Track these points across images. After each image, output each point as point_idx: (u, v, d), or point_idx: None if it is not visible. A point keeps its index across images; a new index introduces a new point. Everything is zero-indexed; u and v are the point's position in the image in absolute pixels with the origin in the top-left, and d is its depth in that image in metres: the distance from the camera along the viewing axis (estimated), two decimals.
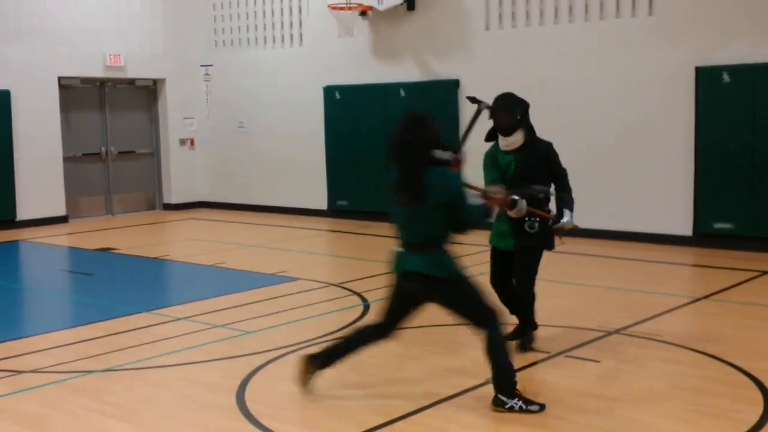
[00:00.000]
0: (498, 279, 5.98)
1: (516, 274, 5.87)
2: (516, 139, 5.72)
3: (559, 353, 5.73)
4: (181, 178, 14.94)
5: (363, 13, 12.18)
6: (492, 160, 5.84)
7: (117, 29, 13.84)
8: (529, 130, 5.77)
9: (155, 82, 14.69)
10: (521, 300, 5.88)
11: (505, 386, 4.70)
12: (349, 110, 12.88)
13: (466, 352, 5.99)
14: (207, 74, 14.81)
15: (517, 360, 5.53)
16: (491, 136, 5.84)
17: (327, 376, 5.48)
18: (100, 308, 7.51)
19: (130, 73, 14.14)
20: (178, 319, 6.99)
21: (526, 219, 5.62)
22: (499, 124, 5.68)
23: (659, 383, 5.15)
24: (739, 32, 9.41)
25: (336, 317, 6.97)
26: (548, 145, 5.83)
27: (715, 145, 9.62)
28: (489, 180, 5.76)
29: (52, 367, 5.66)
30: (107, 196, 14.30)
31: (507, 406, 4.66)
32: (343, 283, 8.24)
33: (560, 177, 5.77)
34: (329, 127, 13.18)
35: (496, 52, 11.31)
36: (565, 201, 5.71)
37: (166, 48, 14.51)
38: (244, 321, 6.80)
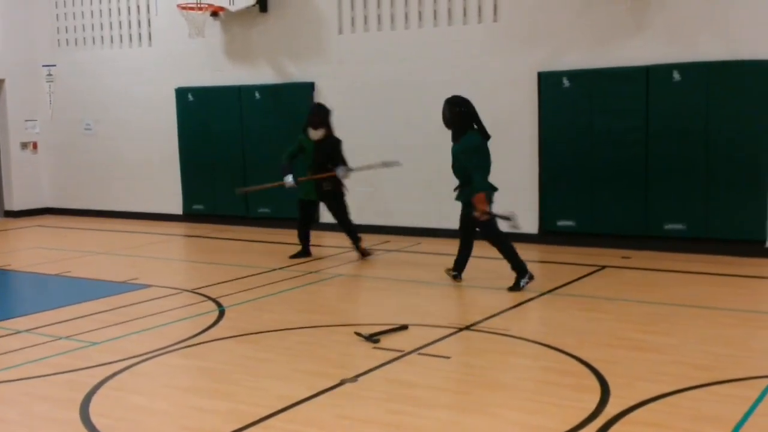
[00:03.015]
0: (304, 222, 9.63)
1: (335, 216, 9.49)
2: (318, 133, 9.13)
3: (412, 351, 5.84)
4: (24, 183, 14.22)
5: (214, 14, 11.97)
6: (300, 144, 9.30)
7: None
8: (329, 128, 9.22)
9: None
10: (347, 230, 9.47)
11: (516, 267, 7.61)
12: (202, 112, 12.65)
13: (318, 353, 6.03)
14: (50, 75, 14.14)
15: (369, 360, 5.64)
16: None
17: (175, 384, 5.38)
18: None
19: None
20: (20, 331, 6.64)
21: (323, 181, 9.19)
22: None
23: (506, 376, 5.35)
24: (578, 40, 9.93)
25: (189, 324, 6.83)
26: (338, 141, 9.34)
27: (557, 147, 10.09)
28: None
29: None
30: None
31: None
32: (198, 288, 8.09)
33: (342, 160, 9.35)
34: (182, 129, 12.90)
35: (350, 56, 11.42)
36: (341, 166, 9.26)
37: (5, 47, 13.76)
38: (90, 332, 6.55)
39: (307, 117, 9.33)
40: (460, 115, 7.66)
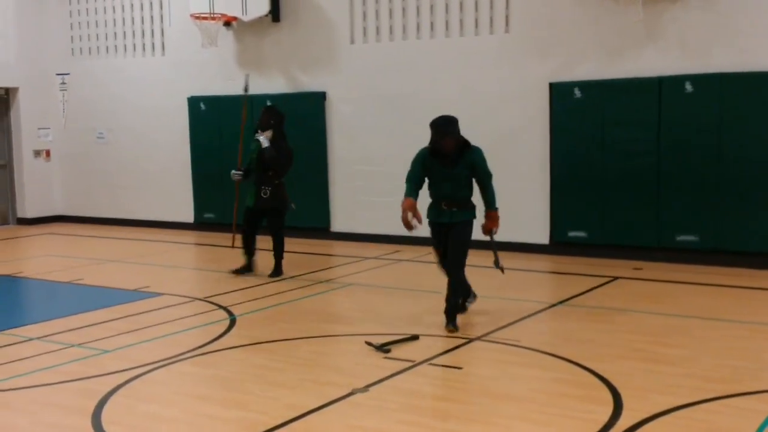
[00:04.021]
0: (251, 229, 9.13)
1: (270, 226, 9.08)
2: (266, 135, 8.84)
3: (423, 361, 5.83)
4: (37, 191, 14.28)
5: (227, 24, 12.03)
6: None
7: None
8: (282, 135, 8.95)
9: (7, 91, 13.98)
10: (278, 246, 9.10)
11: (455, 310, 6.69)
12: (214, 121, 12.68)
13: (329, 363, 6.02)
14: (63, 83, 14.23)
15: (380, 370, 5.64)
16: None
17: (186, 392, 5.38)
18: None
19: None
20: (31, 339, 6.67)
21: (262, 187, 8.89)
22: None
23: (517, 387, 5.33)
24: (589, 51, 9.92)
25: (201, 332, 6.84)
26: (287, 149, 9.03)
27: (568, 157, 10.07)
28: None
29: None
30: None
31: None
32: (209, 297, 8.10)
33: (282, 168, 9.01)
34: (194, 138, 12.94)
35: (362, 66, 11.44)
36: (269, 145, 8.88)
37: (19, 56, 13.85)
38: (102, 339, 6.57)
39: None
40: (458, 130, 6.71)
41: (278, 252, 9.14)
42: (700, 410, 4.80)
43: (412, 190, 6.74)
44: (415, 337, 6.40)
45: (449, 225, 6.73)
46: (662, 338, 6.41)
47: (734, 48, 9.13)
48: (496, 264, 6.91)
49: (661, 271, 9.07)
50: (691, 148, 9.35)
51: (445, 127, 6.67)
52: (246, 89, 10.00)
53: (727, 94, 9.12)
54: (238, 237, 9.63)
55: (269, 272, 9.10)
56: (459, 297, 6.86)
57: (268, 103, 12.10)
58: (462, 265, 6.79)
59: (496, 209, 6.76)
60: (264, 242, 9.42)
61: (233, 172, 9.25)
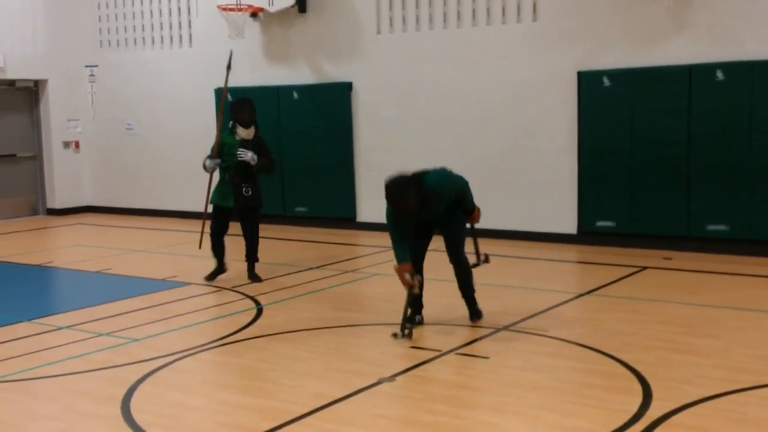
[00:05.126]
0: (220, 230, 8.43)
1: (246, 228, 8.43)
2: (250, 132, 8.21)
3: (450, 351, 5.81)
4: (66, 182, 14.42)
5: (254, 15, 12.06)
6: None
7: None
8: (257, 127, 8.31)
9: (37, 83, 14.13)
10: (253, 249, 8.43)
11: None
12: None
13: (356, 352, 6.02)
14: (92, 75, 14.35)
15: (406, 359, 5.63)
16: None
17: (213, 381, 5.41)
18: None
19: (10, 74, 13.56)
20: (61, 328, 6.74)
21: (243, 185, 8.21)
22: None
23: (545, 377, 5.29)
24: (618, 39, 9.80)
25: (228, 321, 6.87)
26: (264, 141, 8.38)
27: (596, 146, 9.97)
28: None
29: None
30: None
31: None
32: (236, 287, 8.13)
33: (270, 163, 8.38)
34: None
35: (388, 56, 11.40)
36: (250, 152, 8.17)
37: (49, 48, 13.98)
38: (131, 328, 6.62)
39: (234, 114, 8.25)
40: (414, 192, 6.03)
41: (255, 254, 8.46)
42: (732, 401, 4.74)
43: (404, 252, 6.26)
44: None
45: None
46: (692, 329, 6.34)
47: (766, 35, 8.97)
48: (478, 258, 6.67)
49: (691, 261, 8.97)
50: (721, 137, 9.21)
51: (399, 195, 5.97)
52: (229, 66, 9.18)
53: (759, 82, 8.97)
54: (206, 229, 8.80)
55: (247, 276, 8.42)
56: (471, 284, 6.67)
57: (295, 95, 12.15)
58: (463, 250, 6.60)
59: (473, 208, 6.58)
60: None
61: (210, 160, 8.31)
